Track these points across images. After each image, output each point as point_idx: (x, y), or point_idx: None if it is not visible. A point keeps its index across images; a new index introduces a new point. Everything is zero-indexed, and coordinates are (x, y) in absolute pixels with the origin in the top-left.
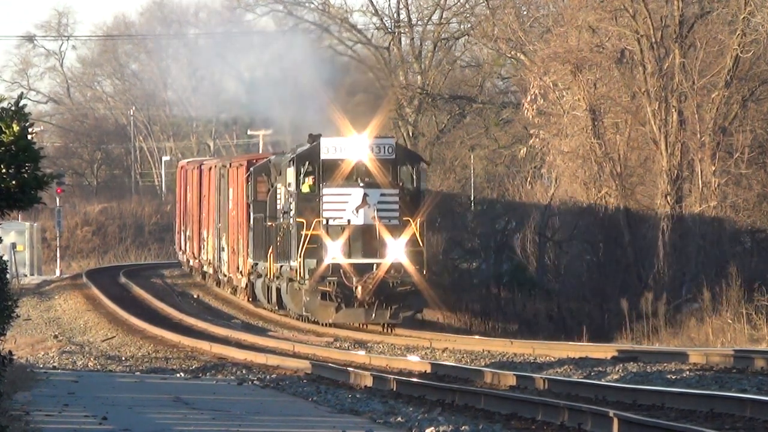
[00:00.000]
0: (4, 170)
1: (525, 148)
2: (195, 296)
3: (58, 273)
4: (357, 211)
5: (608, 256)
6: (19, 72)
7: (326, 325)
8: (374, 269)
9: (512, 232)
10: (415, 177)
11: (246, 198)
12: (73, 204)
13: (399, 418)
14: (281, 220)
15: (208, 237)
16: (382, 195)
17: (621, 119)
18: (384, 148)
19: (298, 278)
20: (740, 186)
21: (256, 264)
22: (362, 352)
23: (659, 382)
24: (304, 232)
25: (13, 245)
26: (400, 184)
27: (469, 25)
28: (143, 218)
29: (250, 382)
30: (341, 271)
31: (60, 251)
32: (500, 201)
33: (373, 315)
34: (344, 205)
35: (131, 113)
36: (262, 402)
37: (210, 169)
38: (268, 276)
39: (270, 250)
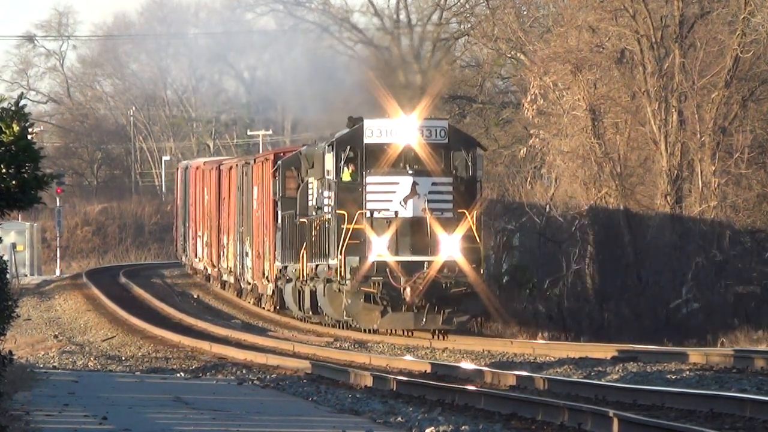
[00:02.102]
0: (4, 170)
1: (525, 148)
2: (195, 296)
3: (58, 273)
4: (405, 202)
5: (608, 256)
6: (19, 72)
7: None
8: (425, 268)
9: (512, 232)
10: (470, 164)
11: (273, 195)
12: (73, 204)
13: (399, 418)
14: (314, 216)
15: (228, 243)
16: (434, 184)
17: (621, 119)
18: (435, 131)
19: (338, 278)
20: (740, 186)
21: (285, 267)
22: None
23: (659, 382)
24: (345, 226)
25: (13, 245)
26: (454, 171)
27: (469, 25)
28: (143, 218)
29: (250, 382)
30: (387, 270)
31: (60, 251)
32: (500, 201)
33: (424, 320)
34: (391, 195)
35: (131, 113)
36: (262, 402)
37: (230, 168)
38: (301, 278)
39: (302, 250)
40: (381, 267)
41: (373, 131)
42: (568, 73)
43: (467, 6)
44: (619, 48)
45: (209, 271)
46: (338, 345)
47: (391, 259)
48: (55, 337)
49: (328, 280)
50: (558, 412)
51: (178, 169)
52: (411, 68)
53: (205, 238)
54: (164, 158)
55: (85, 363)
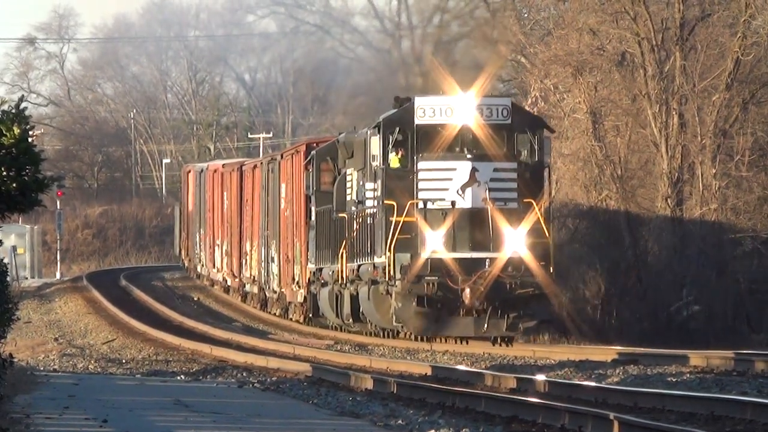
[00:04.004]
0: (4, 173)
1: None
2: (195, 299)
3: (58, 276)
4: (463, 191)
5: (609, 258)
6: (20, 75)
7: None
8: (486, 266)
9: None
10: (536, 147)
11: (306, 189)
12: (74, 207)
13: (399, 421)
14: (354, 210)
15: (251, 250)
16: (496, 170)
17: (621, 122)
18: (497, 110)
19: (386, 279)
20: (741, 189)
21: (320, 270)
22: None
23: (660, 385)
24: (394, 219)
25: (14, 248)
26: (518, 156)
27: (469, 28)
28: (144, 221)
29: (250, 385)
30: (443, 268)
31: (60, 254)
32: None
33: (485, 326)
34: (446, 183)
35: (131, 116)
36: (263, 404)
37: (254, 167)
38: (339, 281)
39: (341, 249)
40: (436, 265)
41: (426, 110)
42: (569, 75)
43: (467, 9)
44: (620, 51)
45: (229, 283)
46: (339, 348)
47: (447, 255)
48: (56, 339)
49: (374, 282)
50: (558, 415)
51: (190, 172)
52: (412, 71)
53: (224, 247)
54: (165, 161)
55: (85, 366)
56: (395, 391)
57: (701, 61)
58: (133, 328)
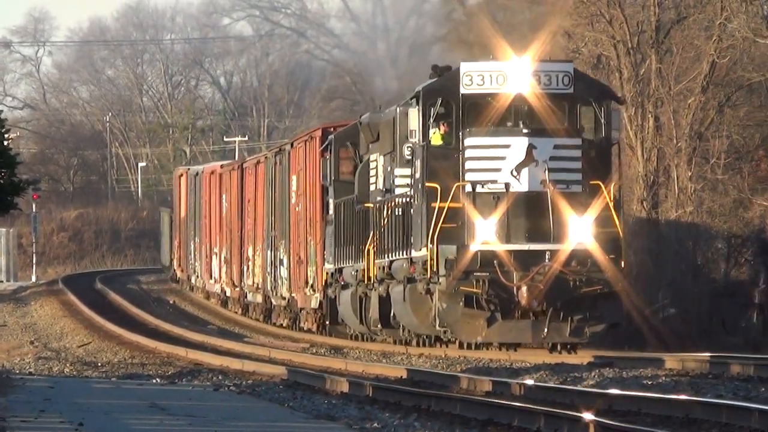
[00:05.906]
0: None
1: None
2: (171, 302)
3: (34, 279)
4: (518, 172)
5: None
6: None
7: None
8: (546, 260)
9: None
10: (604, 121)
11: (321, 180)
12: (49, 210)
13: (375, 424)
14: (381, 200)
15: (254, 255)
16: (556, 147)
17: None
18: (556, 77)
19: (427, 275)
20: (716, 191)
21: (340, 270)
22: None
23: (635, 388)
24: (437, 205)
25: None
26: (582, 131)
27: (445, 31)
28: (119, 224)
29: (226, 388)
30: (496, 262)
31: (36, 257)
32: None
33: (545, 331)
34: (499, 162)
35: (107, 119)
36: (238, 408)
37: (257, 163)
38: (365, 281)
39: (368, 244)
40: (487, 259)
41: (474, 78)
42: None
43: (443, 11)
44: (596, 53)
45: (228, 293)
46: (314, 351)
47: (500, 248)
48: (31, 343)
49: (410, 280)
50: (534, 418)
51: (182, 175)
52: (388, 74)
53: (223, 254)
54: (140, 164)
55: (61, 369)
56: (371, 394)
57: (677, 64)
58: (108, 331)
